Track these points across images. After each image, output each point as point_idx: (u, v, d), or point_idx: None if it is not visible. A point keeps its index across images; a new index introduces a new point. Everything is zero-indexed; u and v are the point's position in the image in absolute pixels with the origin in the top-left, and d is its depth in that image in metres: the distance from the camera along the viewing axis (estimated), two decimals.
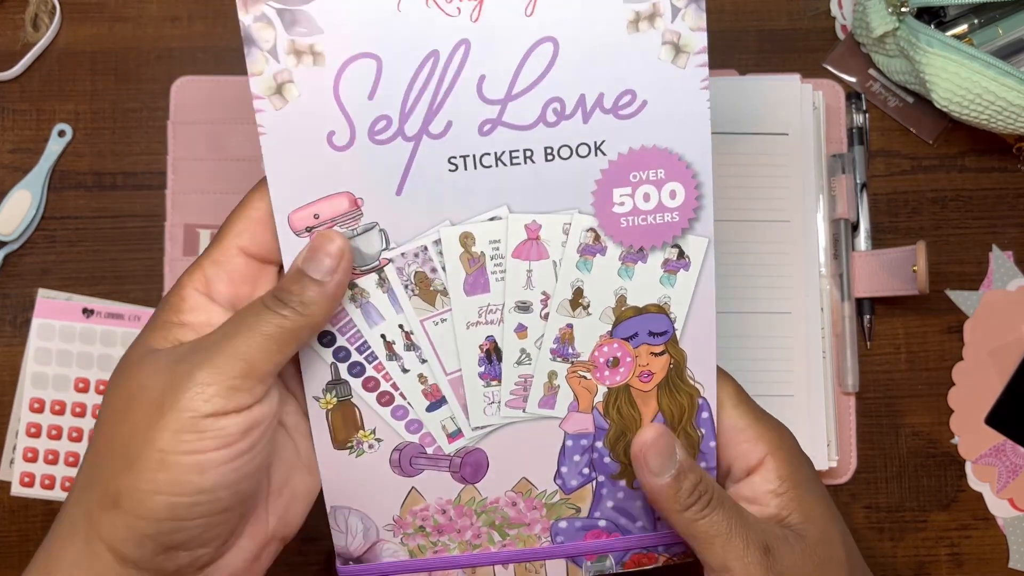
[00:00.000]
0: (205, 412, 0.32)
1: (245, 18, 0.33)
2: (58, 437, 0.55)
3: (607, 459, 0.39)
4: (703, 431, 0.38)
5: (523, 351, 0.37)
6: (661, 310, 0.37)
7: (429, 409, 0.38)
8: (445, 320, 0.36)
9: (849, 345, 0.55)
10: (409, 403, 0.38)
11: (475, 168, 0.34)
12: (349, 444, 0.38)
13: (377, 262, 0.36)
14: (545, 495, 0.39)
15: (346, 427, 0.38)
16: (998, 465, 0.56)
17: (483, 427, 0.38)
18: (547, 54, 0.33)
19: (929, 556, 0.56)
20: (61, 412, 0.55)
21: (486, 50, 0.33)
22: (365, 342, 0.37)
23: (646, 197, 0.35)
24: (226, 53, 0.57)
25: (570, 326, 0.37)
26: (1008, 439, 0.56)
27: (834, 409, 0.55)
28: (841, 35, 0.59)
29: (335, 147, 0.34)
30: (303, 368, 0.37)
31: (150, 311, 0.55)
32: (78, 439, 0.55)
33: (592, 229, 0.36)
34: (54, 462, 0.55)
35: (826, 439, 0.54)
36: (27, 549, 0.55)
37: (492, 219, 0.35)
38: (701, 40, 0.34)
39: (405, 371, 0.37)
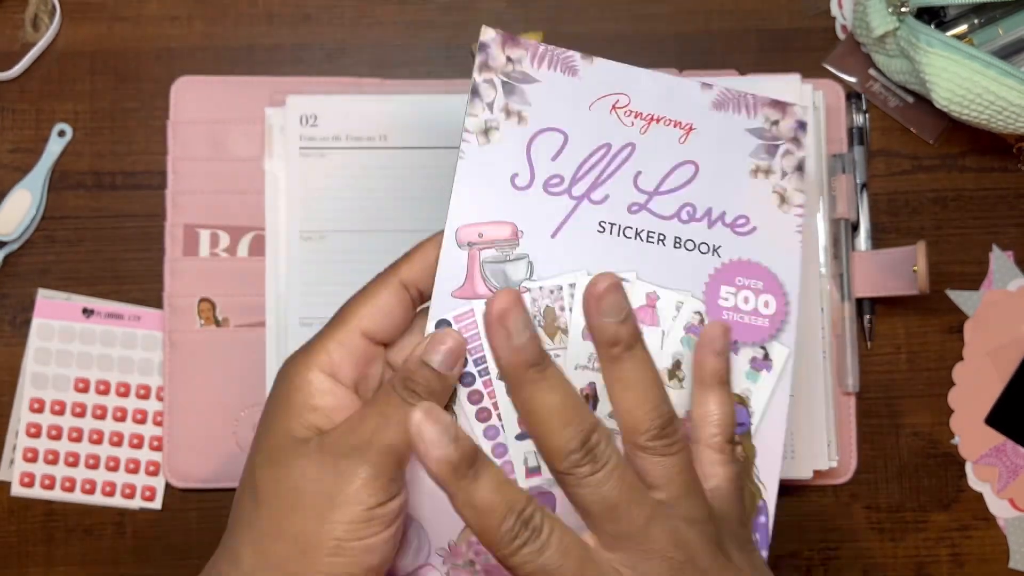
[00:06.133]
0: (372, 504, 0.37)
1: (478, 77, 0.41)
2: (58, 437, 0.55)
3: None
4: (757, 536, 0.40)
5: None
6: (742, 401, 0.41)
7: (518, 438, 0.40)
8: (559, 356, 0.40)
9: (849, 345, 0.55)
10: (503, 425, 0.40)
11: (618, 235, 0.41)
12: None
13: (517, 287, 0.41)
14: None
15: None
16: (998, 465, 0.56)
17: None
18: (689, 172, 0.42)
19: (930, 556, 0.56)
20: (61, 412, 0.55)
21: (646, 155, 0.42)
22: (483, 356, 0.40)
23: (746, 300, 0.42)
24: (226, 53, 0.57)
25: None
26: (1008, 439, 0.56)
27: (834, 409, 0.55)
28: (841, 35, 0.58)
29: (515, 186, 0.41)
30: None
31: (150, 311, 0.55)
32: (78, 439, 0.55)
33: (699, 312, 0.41)
34: (54, 462, 0.55)
35: (826, 439, 0.54)
36: (27, 549, 0.55)
37: (621, 280, 0.40)
38: (801, 198, 0.42)
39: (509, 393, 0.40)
